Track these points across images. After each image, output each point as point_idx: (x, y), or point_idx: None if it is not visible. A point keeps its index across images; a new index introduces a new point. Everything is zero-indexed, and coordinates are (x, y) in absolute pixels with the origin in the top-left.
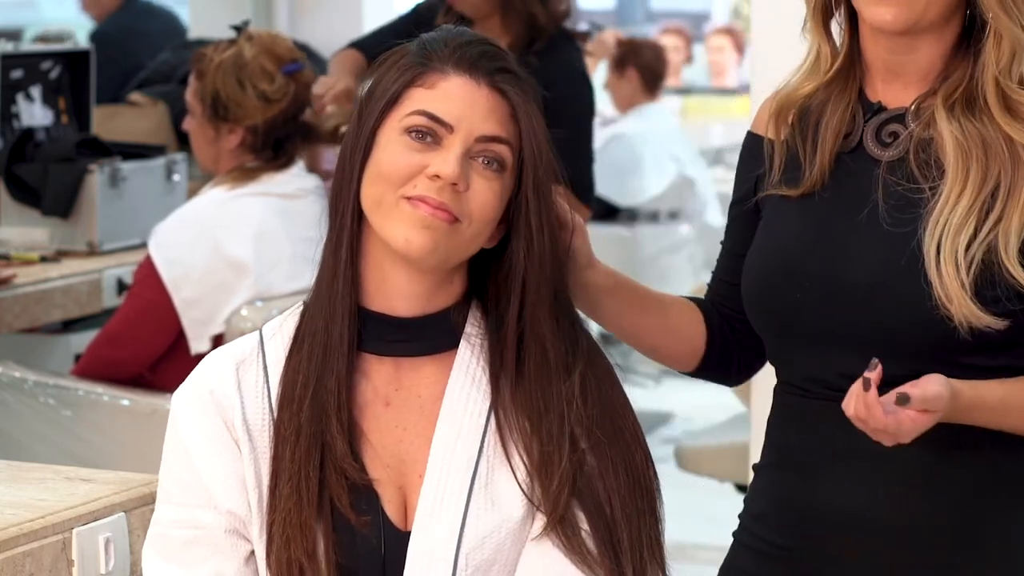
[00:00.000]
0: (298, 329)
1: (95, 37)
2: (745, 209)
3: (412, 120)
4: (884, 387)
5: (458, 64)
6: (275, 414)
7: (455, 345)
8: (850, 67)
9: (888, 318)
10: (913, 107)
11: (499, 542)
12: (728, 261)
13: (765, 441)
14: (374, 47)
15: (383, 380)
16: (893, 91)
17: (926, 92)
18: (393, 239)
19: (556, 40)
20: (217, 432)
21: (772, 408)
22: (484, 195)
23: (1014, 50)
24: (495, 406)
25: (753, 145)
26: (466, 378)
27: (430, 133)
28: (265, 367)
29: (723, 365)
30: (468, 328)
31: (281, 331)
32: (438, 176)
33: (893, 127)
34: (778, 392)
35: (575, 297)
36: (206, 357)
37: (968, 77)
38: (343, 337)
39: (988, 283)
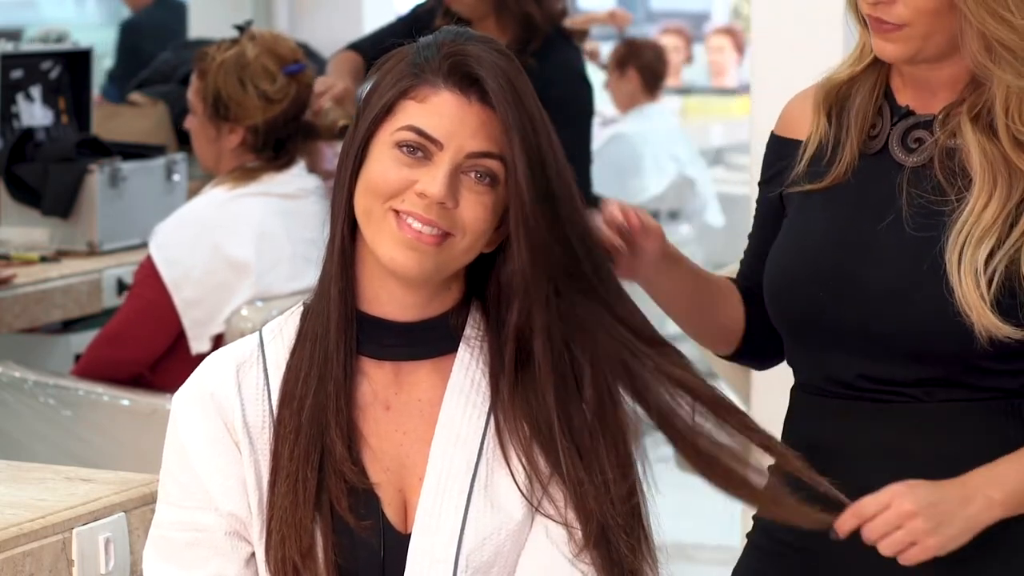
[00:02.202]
0: (300, 329)
1: (126, 26)
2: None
3: (402, 135)
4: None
5: (448, 78)
6: (275, 414)
7: (454, 348)
8: (879, 60)
9: (909, 321)
10: (941, 115)
11: (499, 543)
12: (759, 242)
13: (781, 441)
14: (372, 49)
15: (383, 384)
16: (921, 96)
17: (954, 101)
18: (381, 255)
19: (553, 40)
20: (218, 434)
21: (789, 410)
22: (474, 210)
23: (1016, 95)
24: (494, 409)
25: (778, 147)
26: (465, 381)
27: (420, 148)
28: (265, 369)
29: (760, 350)
30: (467, 331)
31: (282, 334)
32: (425, 195)
33: (919, 133)
34: (796, 393)
35: (635, 275)
36: (206, 359)
37: (988, 99)
38: (339, 342)
39: (1008, 294)
